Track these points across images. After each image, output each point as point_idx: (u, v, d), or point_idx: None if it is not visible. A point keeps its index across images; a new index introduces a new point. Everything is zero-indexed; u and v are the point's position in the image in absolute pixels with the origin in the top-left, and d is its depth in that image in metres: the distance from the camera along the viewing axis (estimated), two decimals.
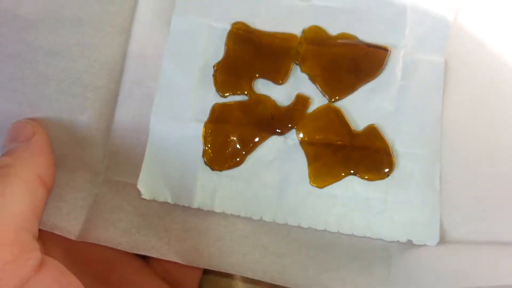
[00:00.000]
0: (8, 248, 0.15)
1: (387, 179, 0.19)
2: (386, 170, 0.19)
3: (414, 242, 0.18)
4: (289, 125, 0.20)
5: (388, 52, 0.20)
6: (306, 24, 0.21)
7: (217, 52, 0.21)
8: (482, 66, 0.20)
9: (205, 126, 0.20)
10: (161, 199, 0.20)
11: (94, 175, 0.21)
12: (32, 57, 0.20)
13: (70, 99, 0.21)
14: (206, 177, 0.20)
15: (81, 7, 0.21)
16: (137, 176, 0.20)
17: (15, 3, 0.21)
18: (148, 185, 0.20)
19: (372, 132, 0.20)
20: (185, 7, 0.21)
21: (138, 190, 0.20)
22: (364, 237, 0.19)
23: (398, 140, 0.19)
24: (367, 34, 0.21)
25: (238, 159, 0.20)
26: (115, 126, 0.21)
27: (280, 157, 0.20)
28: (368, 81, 0.20)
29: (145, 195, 0.20)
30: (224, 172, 0.20)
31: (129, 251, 0.20)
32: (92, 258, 0.20)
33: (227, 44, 0.21)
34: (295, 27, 0.21)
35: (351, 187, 0.19)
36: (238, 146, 0.20)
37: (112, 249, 0.20)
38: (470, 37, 0.20)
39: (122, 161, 0.21)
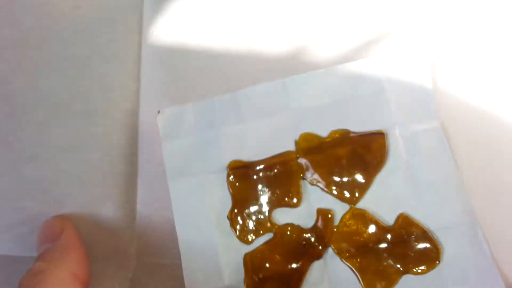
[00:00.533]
0: None
1: (440, 266, 0.19)
2: (434, 256, 0.19)
3: None
4: (324, 245, 0.20)
5: (385, 135, 0.20)
6: (295, 135, 0.21)
7: (224, 199, 0.20)
8: (473, 123, 0.20)
9: (245, 283, 0.19)
10: None
11: (127, 260, 0.22)
12: (51, 157, 0.21)
13: (93, 190, 0.21)
14: None
15: (86, 99, 0.22)
16: (169, 255, 0.21)
17: None
18: None
19: (405, 222, 0.19)
20: (176, 169, 0.20)
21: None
22: None
23: (431, 220, 0.19)
24: (357, 124, 0.20)
25: None
26: (139, 208, 0.22)
27: (328, 281, 0.19)
28: (379, 171, 0.20)
29: None
30: None
31: None
32: None
33: (230, 188, 0.20)
34: (287, 143, 0.21)
35: (410, 286, 0.19)
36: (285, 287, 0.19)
37: None
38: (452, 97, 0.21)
39: (151, 242, 0.22)
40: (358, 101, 0.21)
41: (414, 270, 0.19)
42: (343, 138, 0.20)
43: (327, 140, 0.20)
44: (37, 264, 0.19)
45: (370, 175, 0.20)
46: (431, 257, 0.19)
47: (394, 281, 0.19)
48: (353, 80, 0.21)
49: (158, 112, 0.21)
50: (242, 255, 0.20)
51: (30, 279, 0.18)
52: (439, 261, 0.19)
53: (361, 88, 0.21)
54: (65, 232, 0.20)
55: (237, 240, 0.20)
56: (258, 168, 0.20)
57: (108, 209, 0.21)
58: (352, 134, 0.20)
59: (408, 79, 0.20)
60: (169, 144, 0.21)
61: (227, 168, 0.20)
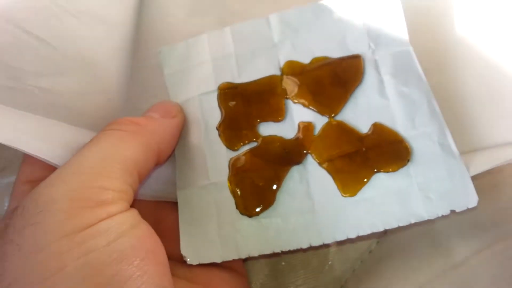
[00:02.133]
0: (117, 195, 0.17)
1: (409, 164, 0.20)
2: (405, 156, 0.20)
3: (457, 211, 0.19)
4: (303, 152, 0.21)
5: (361, 58, 0.22)
6: (280, 64, 0.23)
7: (214, 114, 0.23)
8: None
9: (229, 181, 0.21)
10: (207, 261, 0.20)
11: None
12: None
13: None
14: (246, 226, 0.21)
15: None
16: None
17: None
18: (191, 251, 0.20)
19: (379, 129, 0.21)
20: (175, 91, 0.24)
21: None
22: (409, 224, 0.19)
23: (403, 126, 0.21)
24: (336, 51, 0.23)
25: (270, 199, 0.21)
26: None
27: (306, 183, 0.21)
28: (355, 88, 0.22)
29: (191, 260, 0.21)
30: (262, 215, 0.21)
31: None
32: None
33: (221, 104, 0.23)
34: (273, 70, 0.23)
35: (381, 184, 0.20)
36: (265, 187, 0.21)
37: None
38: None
39: None
40: (336, 33, 0.23)
41: (385, 169, 0.20)
42: (323, 62, 0.23)
43: (309, 65, 0.23)
44: (140, 118, 0.21)
45: (347, 91, 0.22)
46: (401, 157, 0.20)
47: (366, 178, 0.20)
48: (330, 15, 0.23)
49: (159, 51, 0.25)
50: (228, 159, 0.22)
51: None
52: (408, 160, 0.20)
53: (338, 22, 0.23)
54: (177, 118, 0.22)
55: (224, 147, 0.22)
56: (246, 88, 0.23)
57: None
58: (331, 59, 0.23)
59: (381, 12, 0.23)
60: (172, 77, 0.24)
61: (218, 88, 0.23)
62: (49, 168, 0.19)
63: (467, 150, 0.22)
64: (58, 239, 0.15)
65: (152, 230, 0.18)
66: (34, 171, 0.21)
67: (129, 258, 0.15)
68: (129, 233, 0.16)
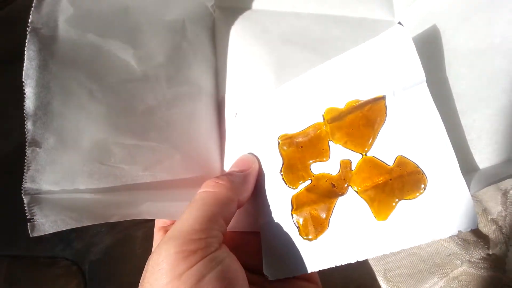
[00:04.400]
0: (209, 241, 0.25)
1: (426, 192, 0.23)
2: (422, 185, 0.24)
3: (463, 231, 0.22)
4: (345, 185, 0.27)
5: (384, 98, 0.26)
6: (321, 110, 0.29)
7: (275, 160, 0.30)
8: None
9: (292, 214, 0.28)
10: (282, 276, 0.28)
11: None
12: None
13: None
14: (308, 248, 0.27)
15: None
16: None
17: None
18: (270, 270, 0.28)
19: (401, 161, 0.25)
20: (242, 141, 0.32)
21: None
22: (428, 242, 0.23)
23: (420, 158, 0.24)
24: (364, 93, 0.27)
25: (324, 226, 0.27)
26: None
27: (349, 211, 0.26)
28: (381, 126, 0.26)
29: (271, 277, 0.28)
30: (319, 238, 0.27)
31: None
32: None
33: (281, 152, 0.30)
34: (316, 117, 0.29)
35: (404, 210, 0.24)
36: (320, 217, 0.27)
37: None
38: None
39: None
40: (363, 78, 0.27)
41: (407, 197, 0.24)
42: (354, 106, 0.27)
43: (344, 109, 0.28)
44: (220, 177, 0.28)
45: (375, 130, 0.26)
46: (419, 187, 0.24)
47: (393, 206, 0.25)
48: (358, 64, 0.27)
49: (236, 114, 0.33)
50: (290, 196, 0.29)
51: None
52: (425, 188, 0.23)
53: (362, 67, 0.27)
54: (251, 169, 0.30)
55: (286, 187, 0.29)
56: (298, 136, 0.29)
57: None
58: (360, 103, 0.27)
59: (398, 56, 0.26)
60: (240, 128, 0.32)
61: (278, 139, 0.30)
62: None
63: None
64: (172, 280, 0.24)
65: (236, 261, 0.26)
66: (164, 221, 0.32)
67: (219, 283, 0.24)
68: (220, 266, 0.25)
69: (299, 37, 0.35)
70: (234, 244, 0.29)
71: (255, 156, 0.31)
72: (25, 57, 0.25)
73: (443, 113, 0.24)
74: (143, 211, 0.27)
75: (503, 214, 0.31)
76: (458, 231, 0.22)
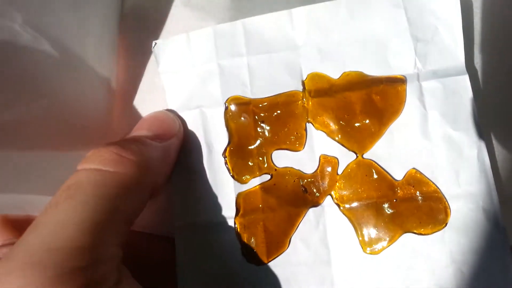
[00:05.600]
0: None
1: (446, 229, 0.17)
2: (441, 218, 0.17)
3: None
4: (323, 192, 0.18)
5: (405, 81, 0.18)
6: (302, 74, 0.19)
7: (220, 134, 0.19)
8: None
9: (236, 222, 0.19)
10: None
11: None
12: None
13: None
14: (252, 273, 0.19)
15: None
16: None
17: None
18: None
19: (415, 178, 0.18)
20: (176, 102, 0.19)
21: None
22: None
23: (444, 180, 0.17)
24: (373, 67, 0.18)
25: (281, 246, 0.18)
26: None
27: (323, 229, 0.18)
28: (393, 121, 0.18)
29: None
30: (271, 263, 0.18)
31: None
32: None
33: (228, 123, 0.19)
34: (293, 82, 0.19)
35: (410, 245, 0.18)
36: (276, 232, 0.18)
37: None
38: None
39: None
40: (375, 40, 0.18)
41: (416, 229, 0.18)
42: (356, 81, 0.18)
43: (339, 82, 0.19)
44: (137, 147, 0.17)
45: (382, 124, 0.18)
46: (438, 219, 0.17)
47: (393, 238, 0.18)
48: (370, 14, 0.18)
49: (154, 44, 0.20)
50: (235, 194, 0.19)
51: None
52: (446, 224, 0.17)
53: (379, 25, 0.18)
54: (174, 139, 0.19)
55: (231, 179, 0.19)
56: (260, 105, 0.19)
57: None
58: (367, 78, 0.18)
59: (434, 18, 0.18)
60: (168, 77, 0.20)
61: (225, 103, 0.19)
62: None
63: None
64: None
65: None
66: None
67: None
68: None
69: None
70: (135, 251, 0.18)
71: (179, 118, 0.20)
72: None
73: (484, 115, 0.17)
74: None
75: None
76: None
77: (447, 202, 0.17)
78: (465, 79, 0.18)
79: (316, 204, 0.19)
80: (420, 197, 0.18)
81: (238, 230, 0.19)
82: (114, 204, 0.15)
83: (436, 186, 0.17)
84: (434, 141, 0.18)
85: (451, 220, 0.17)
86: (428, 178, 0.18)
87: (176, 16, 0.21)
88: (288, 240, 0.19)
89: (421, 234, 0.17)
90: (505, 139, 0.18)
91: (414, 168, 0.18)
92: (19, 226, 0.18)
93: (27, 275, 0.13)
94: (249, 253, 0.18)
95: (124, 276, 0.15)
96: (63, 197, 0.15)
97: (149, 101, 0.21)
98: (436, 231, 0.17)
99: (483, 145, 0.17)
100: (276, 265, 0.18)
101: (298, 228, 0.19)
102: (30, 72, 0.16)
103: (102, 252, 0.15)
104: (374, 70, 0.18)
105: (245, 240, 0.19)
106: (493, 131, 0.18)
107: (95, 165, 0.16)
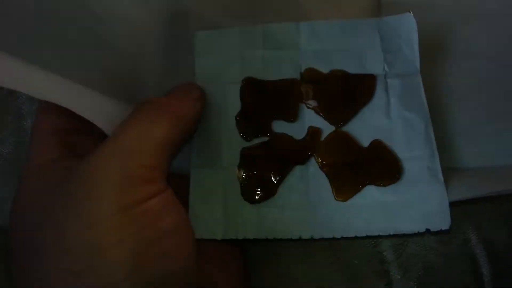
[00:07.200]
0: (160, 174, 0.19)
1: (398, 182, 0.23)
2: (396, 174, 0.23)
3: (432, 230, 0.22)
4: (308, 154, 0.24)
5: (375, 78, 0.24)
6: (301, 68, 0.25)
7: (235, 104, 0.25)
8: None
9: (238, 168, 0.24)
10: (210, 237, 0.23)
11: None
12: None
13: None
14: (247, 211, 0.23)
15: None
16: None
17: None
18: (197, 226, 0.23)
19: (378, 146, 0.23)
20: (204, 77, 0.26)
21: None
22: (389, 235, 0.22)
23: (399, 147, 0.23)
24: (354, 68, 0.25)
25: (271, 191, 0.24)
26: None
27: (305, 182, 0.24)
28: (365, 105, 0.24)
29: (196, 235, 0.23)
30: (262, 204, 0.23)
31: None
32: None
33: (242, 97, 0.25)
34: (294, 73, 0.25)
35: (370, 195, 0.23)
36: (269, 180, 0.24)
37: None
38: None
39: None
40: (356, 50, 0.25)
41: (377, 182, 0.23)
42: (341, 76, 0.25)
43: (328, 75, 0.25)
44: (162, 99, 0.22)
45: (356, 107, 0.24)
46: (393, 175, 0.23)
47: (358, 189, 0.23)
48: (355, 32, 0.25)
49: (194, 35, 0.26)
50: (240, 148, 0.24)
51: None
52: (399, 178, 0.23)
53: (360, 40, 0.25)
54: (199, 102, 0.24)
55: (239, 137, 0.25)
56: (268, 86, 0.25)
57: None
58: (348, 74, 0.25)
59: (399, 37, 0.25)
60: (201, 57, 0.26)
61: (242, 81, 0.25)
62: (74, 120, 0.20)
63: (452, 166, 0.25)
64: (114, 214, 0.16)
65: (183, 209, 0.20)
66: (59, 123, 0.21)
67: (171, 236, 0.18)
68: (171, 213, 0.19)
69: None
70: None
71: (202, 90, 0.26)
72: None
73: (432, 106, 0.23)
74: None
75: None
76: (426, 229, 0.22)
77: (401, 162, 0.23)
78: (419, 78, 0.24)
79: (302, 163, 0.24)
80: (381, 159, 0.23)
81: (239, 174, 0.24)
82: (166, 134, 0.20)
83: (394, 151, 0.23)
84: (394, 120, 0.24)
85: (403, 176, 0.23)
86: (388, 146, 0.23)
87: None
88: (277, 188, 0.24)
89: (380, 185, 0.23)
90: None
91: (378, 139, 0.24)
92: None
93: (115, 159, 0.17)
94: (246, 193, 0.23)
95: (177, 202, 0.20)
96: (144, 114, 0.20)
97: None
98: (391, 184, 0.23)
99: (429, 122, 0.23)
100: (266, 206, 0.23)
101: (286, 179, 0.24)
102: None
103: (165, 164, 0.20)
104: (354, 69, 0.25)
105: (244, 182, 0.24)
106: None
107: (150, 106, 0.21)
